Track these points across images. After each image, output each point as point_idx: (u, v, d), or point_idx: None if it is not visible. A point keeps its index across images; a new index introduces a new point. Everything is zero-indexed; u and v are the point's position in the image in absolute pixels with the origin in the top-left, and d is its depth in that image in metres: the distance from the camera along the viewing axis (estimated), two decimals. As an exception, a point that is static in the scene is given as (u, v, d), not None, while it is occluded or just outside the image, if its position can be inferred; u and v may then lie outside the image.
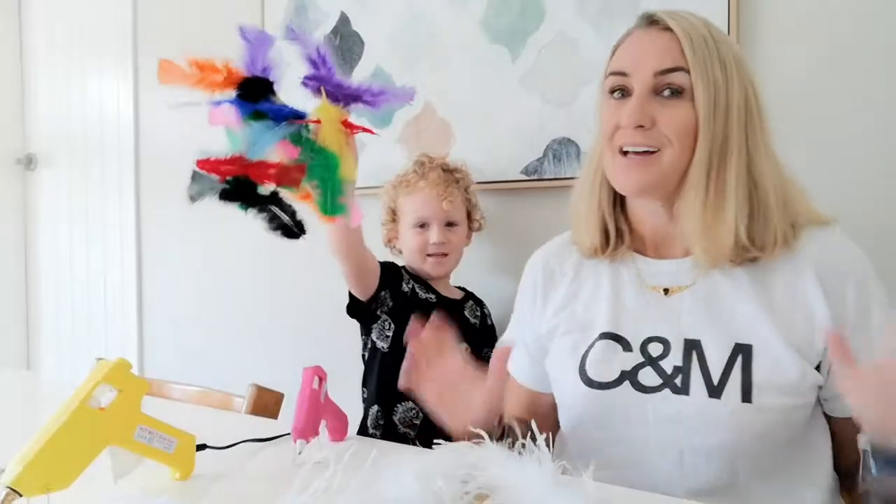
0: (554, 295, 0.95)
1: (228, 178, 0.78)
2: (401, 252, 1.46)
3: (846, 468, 0.86)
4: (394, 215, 1.46)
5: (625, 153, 0.83)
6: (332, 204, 0.82)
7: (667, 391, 0.81)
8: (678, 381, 0.81)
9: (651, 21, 0.84)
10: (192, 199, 0.82)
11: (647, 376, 0.83)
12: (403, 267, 1.44)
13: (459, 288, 1.49)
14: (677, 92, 0.80)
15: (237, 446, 0.85)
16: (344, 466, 0.62)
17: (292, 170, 0.79)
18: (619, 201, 0.91)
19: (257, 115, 0.80)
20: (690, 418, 0.80)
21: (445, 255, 1.39)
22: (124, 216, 2.38)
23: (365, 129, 0.87)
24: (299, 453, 0.77)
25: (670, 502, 0.69)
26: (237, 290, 2.11)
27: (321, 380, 0.85)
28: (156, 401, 1.12)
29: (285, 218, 0.80)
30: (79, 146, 2.51)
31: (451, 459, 0.66)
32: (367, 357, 1.43)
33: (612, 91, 0.85)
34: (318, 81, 0.85)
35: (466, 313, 1.41)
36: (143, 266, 2.36)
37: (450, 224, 1.39)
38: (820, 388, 0.82)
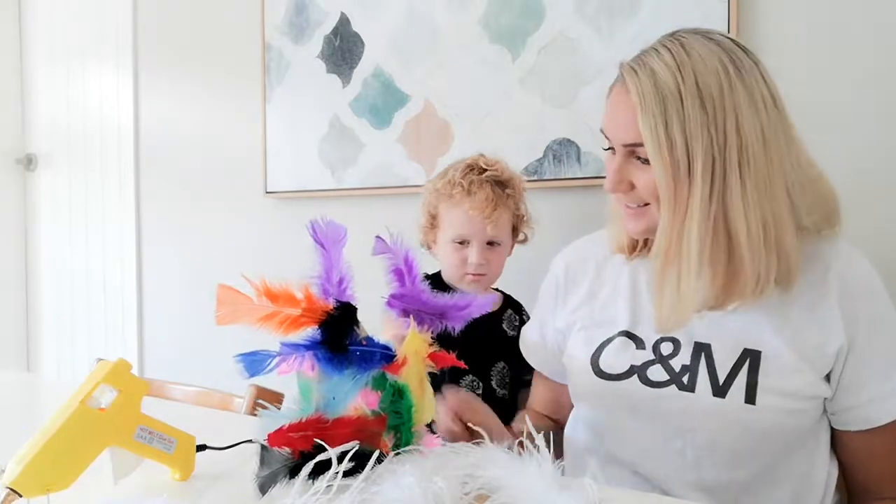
0: (575, 293, 0.99)
1: (303, 451, 0.65)
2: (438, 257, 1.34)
3: (860, 482, 0.87)
4: (433, 221, 1.32)
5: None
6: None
7: (673, 387, 0.84)
8: (685, 378, 0.84)
9: (623, 78, 0.82)
10: (263, 489, 0.65)
11: (656, 372, 0.86)
12: (437, 277, 1.34)
13: (496, 290, 1.37)
14: (647, 160, 0.80)
15: (237, 446, 0.84)
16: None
17: (371, 424, 0.68)
18: None
19: (341, 361, 0.66)
20: (694, 415, 0.82)
21: (484, 274, 1.27)
22: (124, 216, 2.38)
23: (455, 362, 0.74)
24: (299, 454, 0.77)
25: (671, 502, 0.69)
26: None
27: (321, 380, 0.85)
28: (156, 401, 1.12)
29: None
30: (79, 146, 2.51)
31: (451, 460, 0.66)
32: None
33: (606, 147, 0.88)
34: (405, 302, 0.73)
35: (504, 325, 1.31)
36: (143, 266, 2.36)
37: (491, 243, 1.26)
38: (826, 399, 0.83)
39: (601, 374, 0.90)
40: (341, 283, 0.69)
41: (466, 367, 0.75)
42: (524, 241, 1.34)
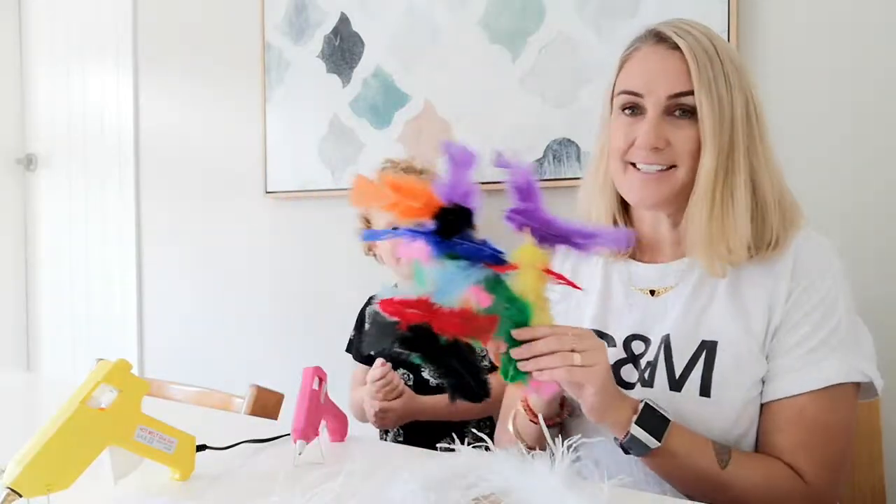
0: (551, 289, 0.98)
1: (411, 325, 0.68)
2: (383, 260, 1.44)
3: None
4: (367, 223, 1.44)
5: (638, 168, 0.85)
6: (514, 367, 0.71)
7: (638, 385, 0.86)
8: (647, 374, 0.85)
9: (659, 38, 0.84)
10: (368, 347, 0.74)
11: (627, 372, 0.87)
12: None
13: None
14: (689, 112, 0.82)
15: (237, 447, 0.85)
16: (351, 471, 0.61)
17: (482, 321, 0.69)
18: (624, 205, 0.93)
19: (453, 255, 0.69)
20: None
21: None
22: (124, 216, 2.38)
23: (570, 283, 0.75)
24: (299, 454, 0.77)
25: (682, 503, 0.69)
26: (237, 291, 2.11)
27: (321, 380, 0.85)
28: (156, 401, 1.12)
29: (467, 377, 0.70)
30: (79, 146, 2.51)
31: (460, 464, 0.66)
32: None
33: (624, 108, 0.86)
34: (525, 217, 0.74)
35: None
36: (143, 266, 2.36)
37: None
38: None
39: None
40: (466, 196, 0.70)
41: (580, 288, 0.77)
42: None
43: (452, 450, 0.68)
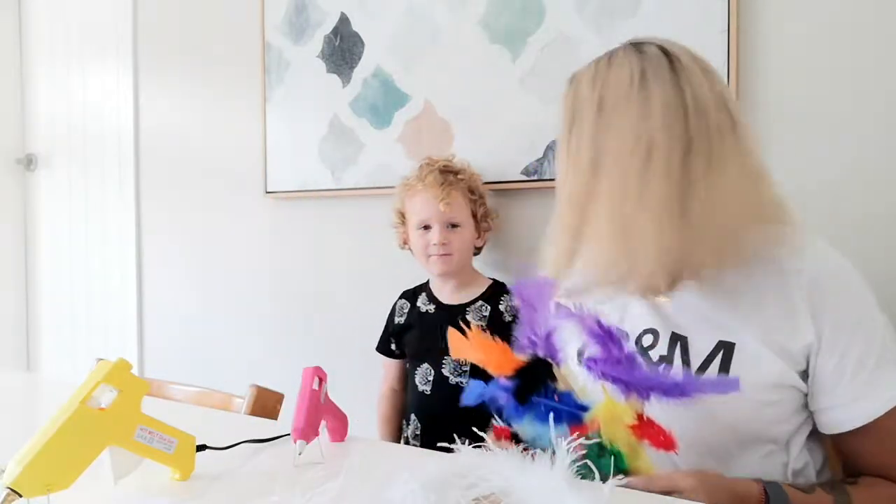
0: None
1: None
2: (415, 254, 1.51)
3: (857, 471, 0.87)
4: (402, 218, 1.50)
5: None
6: None
7: None
8: (661, 369, 0.86)
9: None
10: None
11: None
12: (426, 285, 1.53)
13: (493, 280, 1.49)
14: None
15: (237, 447, 0.85)
16: (351, 471, 0.61)
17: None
18: None
19: (527, 412, 0.73)
20: (667, 406, 0.82)
21: (448, 254, 1.41)
22: (124, 216, 2.38)
23: (666, 441, 0.71)
24: (299, 454, 0.77)
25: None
26: (237, 291, 2.11)
27: (321, 380, 0.85)
28: (156, 401, 1.12)
29: None
30: (79, 146, 2.51)
31: (460, 464, 0.66)
32: (409, 394, 1.49)
33: None
34: (607, 367, 0.73)
35: (469, 316, 1.41)
36: (143, 266, 2.36)
37: (453, 226, 1.41)
38: (807, 396, 0.84)
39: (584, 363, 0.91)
40: (548, 337, 0.75)
41: (677, 452, 0.74)
42: (489, 228, 1.49)
43: (452, 450, 0.68)
